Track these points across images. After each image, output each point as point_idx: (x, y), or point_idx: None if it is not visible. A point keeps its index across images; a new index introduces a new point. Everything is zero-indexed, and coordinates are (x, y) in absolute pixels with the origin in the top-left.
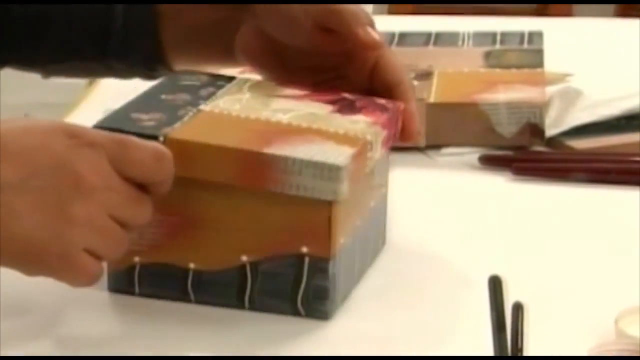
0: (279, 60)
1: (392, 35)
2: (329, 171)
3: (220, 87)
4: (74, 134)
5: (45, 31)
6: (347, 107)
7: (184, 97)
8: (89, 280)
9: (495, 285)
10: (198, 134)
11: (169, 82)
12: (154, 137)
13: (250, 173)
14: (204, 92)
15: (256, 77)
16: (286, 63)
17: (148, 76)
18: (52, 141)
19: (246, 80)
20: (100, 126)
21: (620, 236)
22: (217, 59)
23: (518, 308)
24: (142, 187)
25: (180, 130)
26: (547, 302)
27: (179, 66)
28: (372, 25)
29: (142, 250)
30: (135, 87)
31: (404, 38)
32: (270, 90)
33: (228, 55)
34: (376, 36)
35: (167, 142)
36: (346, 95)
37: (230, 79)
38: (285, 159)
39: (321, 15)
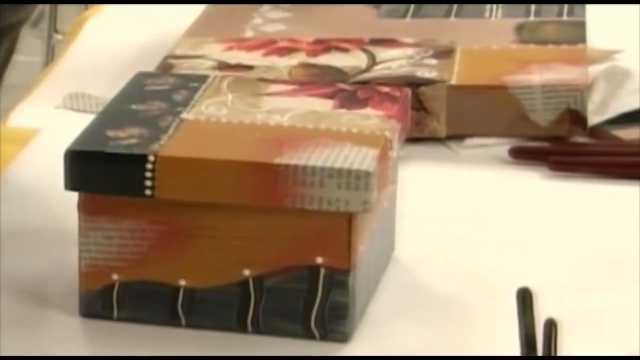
0: None
1: (407, 5)
2: (357, 179)
3: (195, 89)
4: None
5: None
6: (350, 100)
7: (159, 105)
8: None
9: (525, 299)
10: (193, 149)
11: (134, 88)
12: (143, 157)
13: (264, 189)
14: (178, 96)
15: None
16: None
17: None
18: None
19: (222, 78)
20: (76, 149)
21: None
22: None
23: (551, 325)
24: None
25: (170, 146)
26: (584, 319)
27: None
28: None
29: (122, 265)
30: (94, 69)
31: (420, 8)
32: (253, 87)
33: None
34: None
35: (160, 161)
36: (342, 85)
37: (202, 77)
38: (303, 169)
39: None
